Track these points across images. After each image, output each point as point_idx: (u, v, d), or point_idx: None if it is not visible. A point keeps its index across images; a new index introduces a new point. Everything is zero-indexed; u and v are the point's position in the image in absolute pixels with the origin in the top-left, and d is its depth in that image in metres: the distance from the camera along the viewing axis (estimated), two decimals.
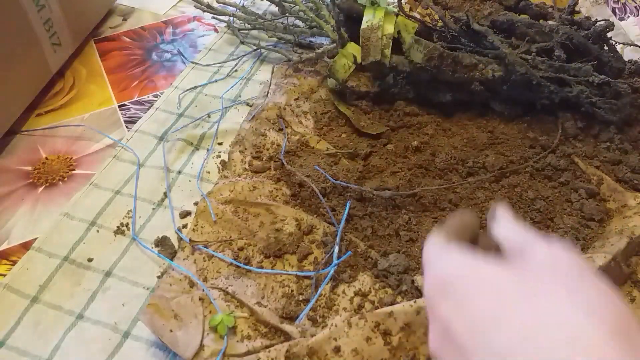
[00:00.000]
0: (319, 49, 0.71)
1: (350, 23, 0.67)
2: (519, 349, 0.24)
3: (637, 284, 0.48)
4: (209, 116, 0.68)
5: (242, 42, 0.79)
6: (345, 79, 0.65)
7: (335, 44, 0.68)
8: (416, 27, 0.64)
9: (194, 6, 0.80)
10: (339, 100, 0.66)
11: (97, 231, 0.54)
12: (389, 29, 0.63)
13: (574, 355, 0.22)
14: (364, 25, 0.64)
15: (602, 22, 0.62)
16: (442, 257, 0.29)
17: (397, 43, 0.64)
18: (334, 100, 0.66)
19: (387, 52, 0.63)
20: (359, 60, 0.64)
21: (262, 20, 0.76)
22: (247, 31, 0.81)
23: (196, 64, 0.76)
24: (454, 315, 0.28)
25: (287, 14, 0.76)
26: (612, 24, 0.62)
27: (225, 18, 0.82)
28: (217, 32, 0.84)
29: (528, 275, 0.26)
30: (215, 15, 0.82)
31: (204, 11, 0.80)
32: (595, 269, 0.26)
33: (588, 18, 0.64)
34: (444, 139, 0.62)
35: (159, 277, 0.50)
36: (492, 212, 0.32)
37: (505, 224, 0.31)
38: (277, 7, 0.76)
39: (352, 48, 0.65)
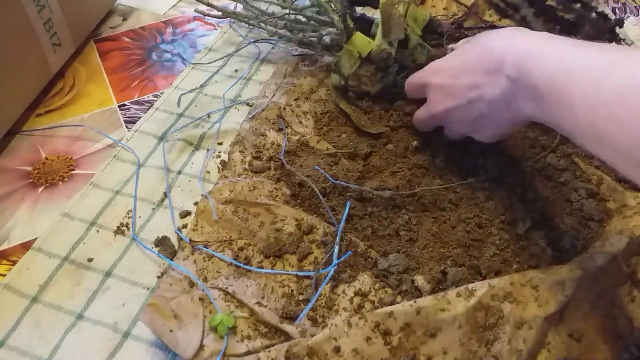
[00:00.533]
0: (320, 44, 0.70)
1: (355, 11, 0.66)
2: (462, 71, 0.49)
3: (637, 284, 0.48)
4: (209, 116, 0.68)
5: (244, 39, 0.79)
6: (351, 74, 0.64)
7: (339, 36, 0.67)
8: (426, 20, 0.64)
9: (195, 10, 0.80)
10: (340, 97, 0.66)
11: (97, 231, 0.54)
12: None
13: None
14: None
15: (613, 19, 0.62)
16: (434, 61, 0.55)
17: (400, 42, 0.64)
18: (336, 97, 0.66)
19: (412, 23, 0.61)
20: (364, 55, 0.64)
21: (264, 18, 0.76)
22: (249, 28, 0.81)
23: (196, 64, 0.76)
24: (433, 79, 0.53)
25: (289, 8, 0.75)
26: (622, 21, 0.62)
27: (226, 20, 0.81)
28: (218, 29, 0.84)
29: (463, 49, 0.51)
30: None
31: (206, 15, 0.79)
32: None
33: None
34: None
35: (159, 277, 0.50)
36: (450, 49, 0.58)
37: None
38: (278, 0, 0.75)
39: (359, 40, 0.64)
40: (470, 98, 0.48)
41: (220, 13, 0.76)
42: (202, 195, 0.56)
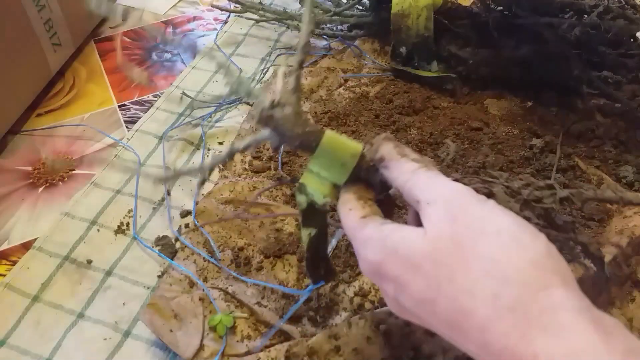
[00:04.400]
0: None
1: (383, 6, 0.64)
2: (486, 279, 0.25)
3: (637, 284, 0.48)
4: (210, 116, 0.68)
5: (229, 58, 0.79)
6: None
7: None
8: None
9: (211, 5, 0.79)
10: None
11: (98, 230, 0.54)
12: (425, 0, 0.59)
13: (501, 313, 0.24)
14: (394, 9, 0.60)
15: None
16: (363, 243, 0.30)
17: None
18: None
19: (430, 25, 0.58)
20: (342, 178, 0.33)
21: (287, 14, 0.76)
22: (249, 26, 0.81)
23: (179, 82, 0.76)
24: (400, 295, 0.28)
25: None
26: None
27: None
28: (226, 22, 0.83)
29: (438, 244, 0.27)
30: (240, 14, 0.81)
31: (236, 2, 0.78)
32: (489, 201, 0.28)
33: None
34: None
35: (159, 276, 0.50)
36: (375, 150, 0.32)
37: (395, 171, 0.31)
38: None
39: (331, 144, 0.32)
40: None
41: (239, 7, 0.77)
42: (202, 195, 0.56)
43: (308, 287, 0.47)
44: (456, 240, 0.26)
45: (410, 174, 0.30)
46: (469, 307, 0.25)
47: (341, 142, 0.31)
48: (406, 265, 0.27)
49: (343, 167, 0.32)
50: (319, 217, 0.34)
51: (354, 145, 0.31)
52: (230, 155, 0.34)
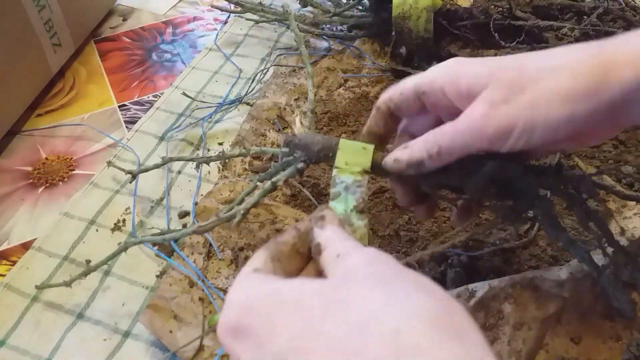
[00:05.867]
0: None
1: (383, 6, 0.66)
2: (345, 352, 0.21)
3: (636, 288, 0.48)
4: (211, 117, 0.68)
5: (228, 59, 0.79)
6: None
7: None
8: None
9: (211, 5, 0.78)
10: None
11: (97, 230, 0.54)
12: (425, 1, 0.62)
13: (401, 354, 0.20)
14: (394, 12, 0.62)
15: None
16: (235, 285, 0.27)
17: None
18: None
19: (430, 27, 0.61)
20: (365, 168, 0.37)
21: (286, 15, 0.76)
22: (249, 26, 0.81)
23: (175, 88, 0.76)
24: (261, 348, 0.23)
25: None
26: None
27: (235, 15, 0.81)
28: (226, 23, 0.83)
29: (339, 281, 0.25)
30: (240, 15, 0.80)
31: (236, 3, 0.77)
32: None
33: None
34: None
35: (157, 276, 0.50)
36: (316, 213, 0.31)
37: (330, 229, 0.30)
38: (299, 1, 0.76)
39: (347, 150, 0.37)
40: None
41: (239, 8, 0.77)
42: (202, 195, 0.56)
43: None
44: (352, 278, 0.24)
45: (345, 240, 0.29)
46: (360, 343, 0.21)
47: (353, 141, 0.38)
48: (281, 305, 0.24)
49: (365, 150, 0.37)
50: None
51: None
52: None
